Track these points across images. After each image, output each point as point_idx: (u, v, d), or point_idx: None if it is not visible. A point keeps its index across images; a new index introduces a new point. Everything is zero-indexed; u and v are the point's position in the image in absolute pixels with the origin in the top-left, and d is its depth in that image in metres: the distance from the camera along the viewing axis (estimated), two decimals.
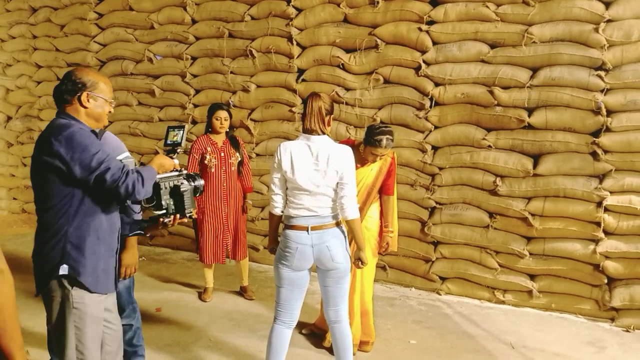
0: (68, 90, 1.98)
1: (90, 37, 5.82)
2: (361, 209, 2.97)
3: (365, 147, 3.06)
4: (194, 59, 5.28)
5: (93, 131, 2.03)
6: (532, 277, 4.02)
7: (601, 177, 3.76)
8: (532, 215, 3.93)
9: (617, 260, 3.74)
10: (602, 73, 3.70)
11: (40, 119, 6.36)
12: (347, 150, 2.53)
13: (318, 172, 2.47)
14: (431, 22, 4.20)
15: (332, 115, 2.58)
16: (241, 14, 4.94)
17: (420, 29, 4.20)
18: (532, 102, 3.91)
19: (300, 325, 3.33)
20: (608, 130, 3.71)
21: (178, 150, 2.21)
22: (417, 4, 4.22)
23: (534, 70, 3.94)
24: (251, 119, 5.00)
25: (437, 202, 4.27)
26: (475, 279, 4.18)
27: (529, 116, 3.92)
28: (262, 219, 4.96)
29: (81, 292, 1.95)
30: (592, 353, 3.37)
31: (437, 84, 4.24)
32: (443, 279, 4.33)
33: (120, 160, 2.04)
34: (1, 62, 6.67)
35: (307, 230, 2.49)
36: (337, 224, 2.57)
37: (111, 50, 5.72)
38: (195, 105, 5.29)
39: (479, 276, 4.14)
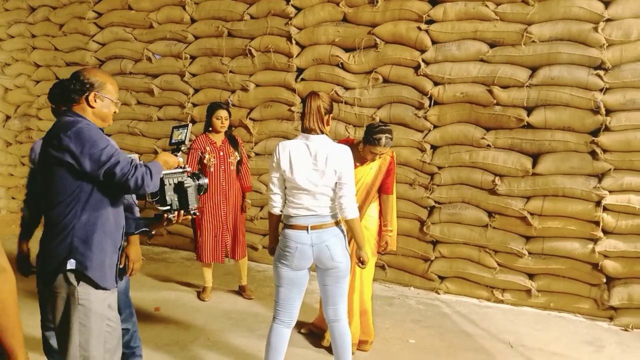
0: (76, 90, 2.02)
1: (89, 36, 5.81)
2: (360, 208, 2.96)
3: (365, 145, 3.06)
4: (193, 58, 5.28)
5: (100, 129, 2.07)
6: (531, 276, 4.02)
7: (600, 177, 3.76)
8: (531, 214, 3.93)
9: (615, 259, 3.74)
10: (601, 72, 3.70)
11: (39, 118, 6.35)
12: (346, 150, 2.52)
13: (316, 171, 2.46)
14: (430, 21, 4.20)
15: (331, 115, 2.58)
16: (240, 13, 4.93)
17: (419, 28, 4.19)
18: (531, 102, 3.91)
19: (299, 325, 3.32)
20: (607, 129, 3.71)
21: (182, 148, 2.28)
22: (417, 3, 4.22)
23: (533, 69, 3.94)
24: (250, 118, 5.00)
25: (436, 202, 4.27)
26: (474, 278, 4.18)
27: (528, 115, 3.92)
28: (261, 218, 4.96)
29: (87, 288, 1.97)
30: (590, 352, 3.37)
31: (436, 83, 4.24)
32: (442, 278, 4.33)
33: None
34: (0, 61, 6.67)
35: (307, 230, 2.49)
36: (337, 223, 2.56)
37: (110, 50, 5.71)
38: (194, 105, 5.28)
39: (478, 275, 4.15)
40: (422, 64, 4.22)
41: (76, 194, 1.95)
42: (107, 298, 2.05)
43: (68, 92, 2.04)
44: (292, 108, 4.81)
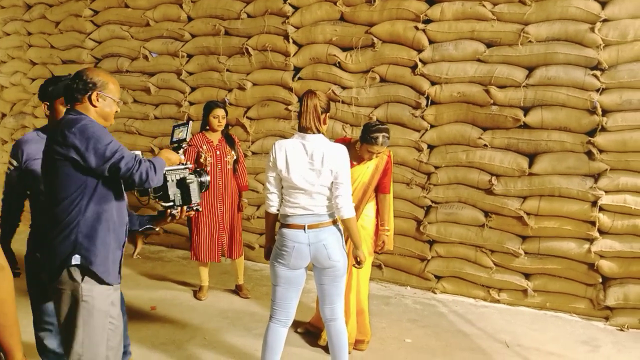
0: (79, 89, 2.06)
1: (86, 34, 5.78)
2: (357, 207, 2.96)
3: (362, 144, 3.06)
4: (189, 56, 5.26)
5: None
6: (527, 276, 4.03)
7: (596, 177, 3.77)
8: (527, 214, 3.94)
9: (611, 259, 3.75)
10: (598, 73, 3.71)
11: (35, 116, 6.32)
12: (342, 150, 2.52)
13: (313, 171, 2.46)
14: (427, 21, 4.20)
15: (328, 114, 2.58)
16: (237, 11, 4.92)
17: (416, 28, 4.19)
18: (527, 102, 3.91)
19: (296, 324, 3.32)
20: (603, 129, 3.72)
21: (183, 146, 2.33)
22: (414, 2, 4.21)
23: (530, 69, 3.94)
24: (247, 117, 4.99)
25: (432, 201, 4.28)
26: (470, 278, 4.19)
27: (525, 115, 3.92)
28: (257, 217, 4.95)
29: (90, 284, 1.99)
30: (586, 352, 3.38)
31: (433, 83, 4.24)
32: (438, 277, 4.33)
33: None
34: None
35: (304, 229, 2.49)
36: (334, 222, 2.56)
37: (106, 48, 5.68)
38: (191, 103, 5.27)
39: (474, 275, 4.15)
40: (419, 64, 4.22)
41: (81, 190, 1.98)
42: (111, 295, 2.08)
43: (71, 91, 2.07)
44: (289, 107, 4.80)
